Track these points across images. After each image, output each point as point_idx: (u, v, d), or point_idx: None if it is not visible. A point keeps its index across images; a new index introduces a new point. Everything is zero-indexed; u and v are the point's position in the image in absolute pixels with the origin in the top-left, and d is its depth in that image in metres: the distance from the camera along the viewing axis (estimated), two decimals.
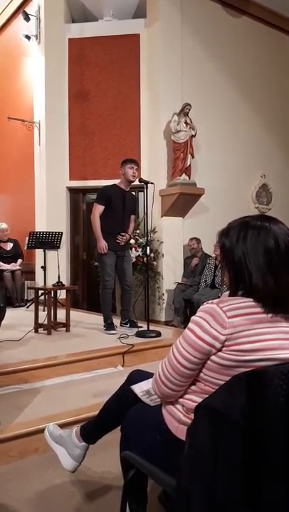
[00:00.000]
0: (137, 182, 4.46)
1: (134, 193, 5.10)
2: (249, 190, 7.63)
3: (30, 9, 6.89)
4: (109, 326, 4.45)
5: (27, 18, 6.61)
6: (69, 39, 6.87)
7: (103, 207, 4.42)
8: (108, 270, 4.45)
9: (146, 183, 4.28)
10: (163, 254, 6.37)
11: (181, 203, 6.38)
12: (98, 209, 4.43)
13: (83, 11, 7.19)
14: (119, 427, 1.61)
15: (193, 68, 6.79)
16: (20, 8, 7.21)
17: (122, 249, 4.53)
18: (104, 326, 4.47)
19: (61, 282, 4.66)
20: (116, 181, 4.64)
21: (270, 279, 1.18)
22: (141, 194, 4.58)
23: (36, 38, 6.81)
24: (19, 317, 5.39)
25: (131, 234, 4.74)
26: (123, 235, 4.46)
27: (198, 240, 6.29)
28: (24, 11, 6.67)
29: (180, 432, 1.33)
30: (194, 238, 6.31)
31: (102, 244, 4.38)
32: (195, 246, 6.27)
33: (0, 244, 6.87)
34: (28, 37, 6.84)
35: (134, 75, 6.76)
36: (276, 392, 1.03)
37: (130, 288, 4.62)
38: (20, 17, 6.76)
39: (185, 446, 1.16)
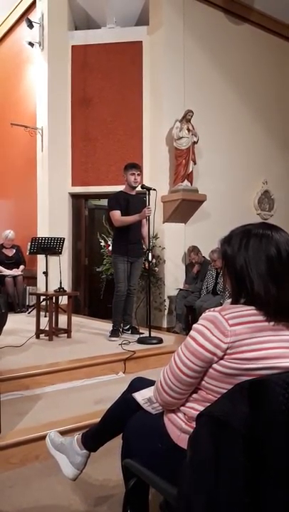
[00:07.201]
0: (139, 188, 4.48)
1: None
2: (251, 196, 7.64)
3: (34, 16, 6.95)
4: (114, 332, 4.46)
5: (30, 25, 6.66)
6: (72, 46, 6.92)
7: (119, 211, 4.42)
8: (121, 276, 4.46)
9: (149, 189, 4.29)
10: (165, 260, 6.36)
11: (183, 209, 6.39)
12: (117, 213, 4.42)
13: (86, 18, 7.25)
14: (121, 435, 1.61)
15: (196, 75, 6.82)
16: (24, 15, 7.28)
17: (136, 255, 4.53)
18: (110, 332, 4.49)
19: (63, 288, 4.67)
20: (118, 187, 4.68)
21: (272, 287, 1.18)
22: None
23: (40, 45, 6.85)
24: (21, 323, 5.39)
25: (145, 238, 4.66)
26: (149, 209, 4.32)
27: (196, 251, 6.18)
28: (28, 18, 6.73)
29: (181, 440, 1.32)
30: (192, 250, 6.19)
31: (140, 213, 4.29)
32: (196, 258, 6.18)
33: (3, 250, 6.89)
34: (31, 44, 6.88)
35: (137, 82, 6.79)
36: (278, 400, 1.03)
37: (132, 293, 4.64)
38: (24, 24, 6.82)
39: (186, 454, 1.16)
